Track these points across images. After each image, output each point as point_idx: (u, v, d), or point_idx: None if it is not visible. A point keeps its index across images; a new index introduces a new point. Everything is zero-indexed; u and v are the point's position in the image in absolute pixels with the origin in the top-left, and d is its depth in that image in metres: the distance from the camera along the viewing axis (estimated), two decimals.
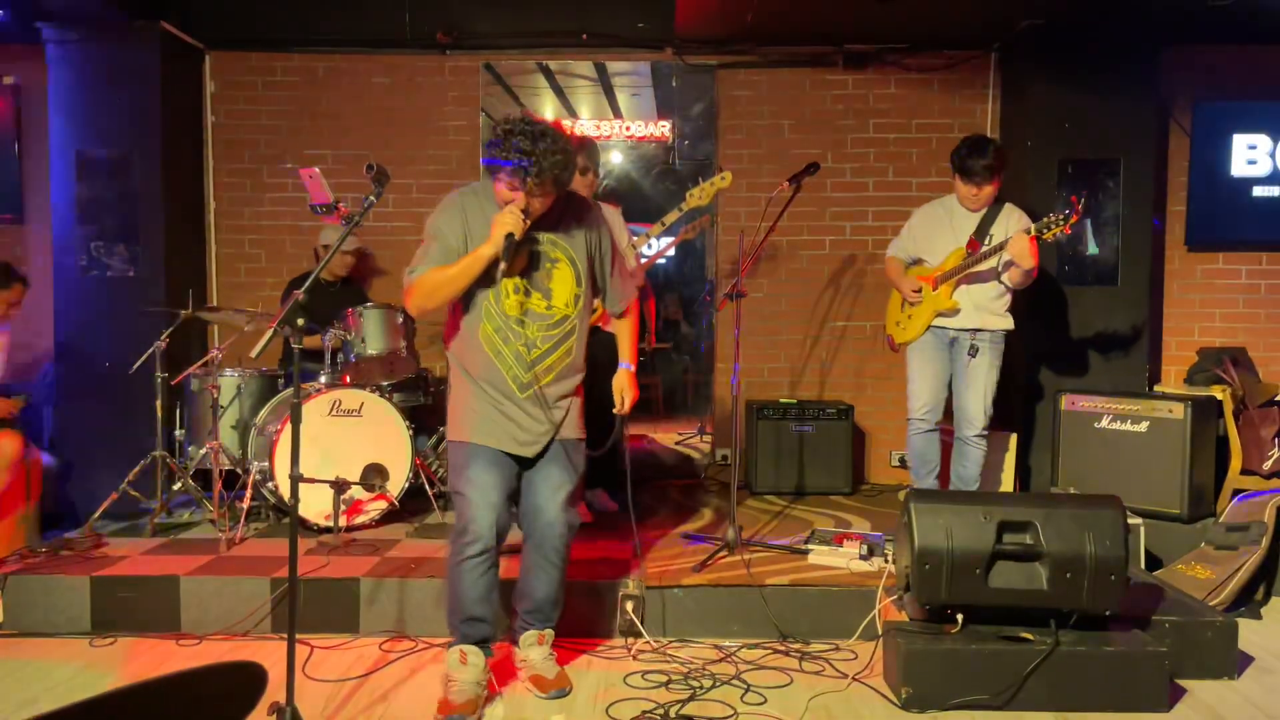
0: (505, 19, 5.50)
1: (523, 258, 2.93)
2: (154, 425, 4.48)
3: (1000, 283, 4.20)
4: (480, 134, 5.74)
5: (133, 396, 4.96)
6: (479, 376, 2.98)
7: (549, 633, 3.19)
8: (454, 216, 2.94)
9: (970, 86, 5.66)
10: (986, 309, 4.21)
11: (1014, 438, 5.02)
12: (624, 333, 3.28)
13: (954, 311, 4.20)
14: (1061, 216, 3.88)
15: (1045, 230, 3.90)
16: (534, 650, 3.15)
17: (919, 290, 4.28)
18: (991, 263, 4.13)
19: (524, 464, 3.05)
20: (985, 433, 4.28)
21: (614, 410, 3.22)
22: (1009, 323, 4.26)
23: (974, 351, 4.21)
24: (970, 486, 4.30)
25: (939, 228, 4.31)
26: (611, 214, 4.73)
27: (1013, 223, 4.19)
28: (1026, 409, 5.22)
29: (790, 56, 5.66)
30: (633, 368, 3.24)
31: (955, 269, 4.19)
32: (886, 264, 4.54)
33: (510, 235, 2.78)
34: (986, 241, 4.17)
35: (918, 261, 4.41)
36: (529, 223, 2.85)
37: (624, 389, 3.21)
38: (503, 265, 2.78)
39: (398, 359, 4.60)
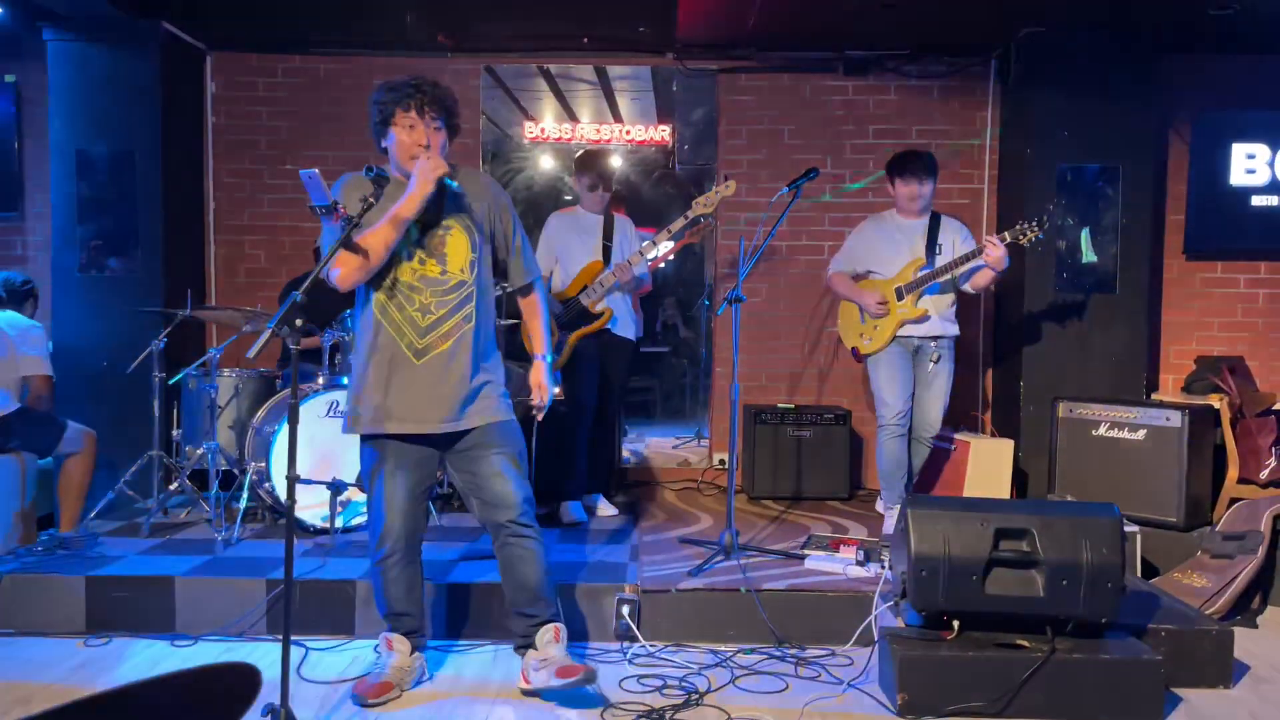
0: (507, 22, 5.50)
1: (413, 226, 2.96)
2: (151, 425, 4.48)
3: (957, 291, 4.42)
4: (480, 137, 5.74)
5: (130, 396, 4.96)
6: (374, 351, 2.96)
7: (560, 627, 3.07)
8: (348, 194, 2.95)
9: (970, 93, 5.67)
10: (946, 317, 4.41)
11: (1011, 444, 5.02)
12: (532, 318, 3.21)
13: (923, 319, 4.33)
14: (1035, 221, 4.14)
15: (1021, 235, 4.14)
16: (553, 648, 3.03)
17: (884, 302, 4.37)
18: (953, 273, 4.30)
19: (443, 447, 3.00)
20: (938, 433, 4.55)
21: (532, 411, 3.17)
22: (958, 329, 4.50)
23: (937, 359, 4.39)
24: (913, 473, 4.56)
25: (885, 242, 4.45)
26: (622, 221, 4.79)
27: (955, 230, 4.44)
28: (1024, 416, 5.22)
29: (791, 62, 5.67)
30: (546, 358, 3.17)
31: (925, 277, 4.31)
32: (833, 279, 4.61)
33: (443, 177, 2.85)
34: (937, 250, 4.35)
35: (866, 274, 4.53)
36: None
37: (538, 384, 3.14)
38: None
39: None
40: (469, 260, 2.99)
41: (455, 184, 2.91)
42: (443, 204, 2.96)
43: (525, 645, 3.09)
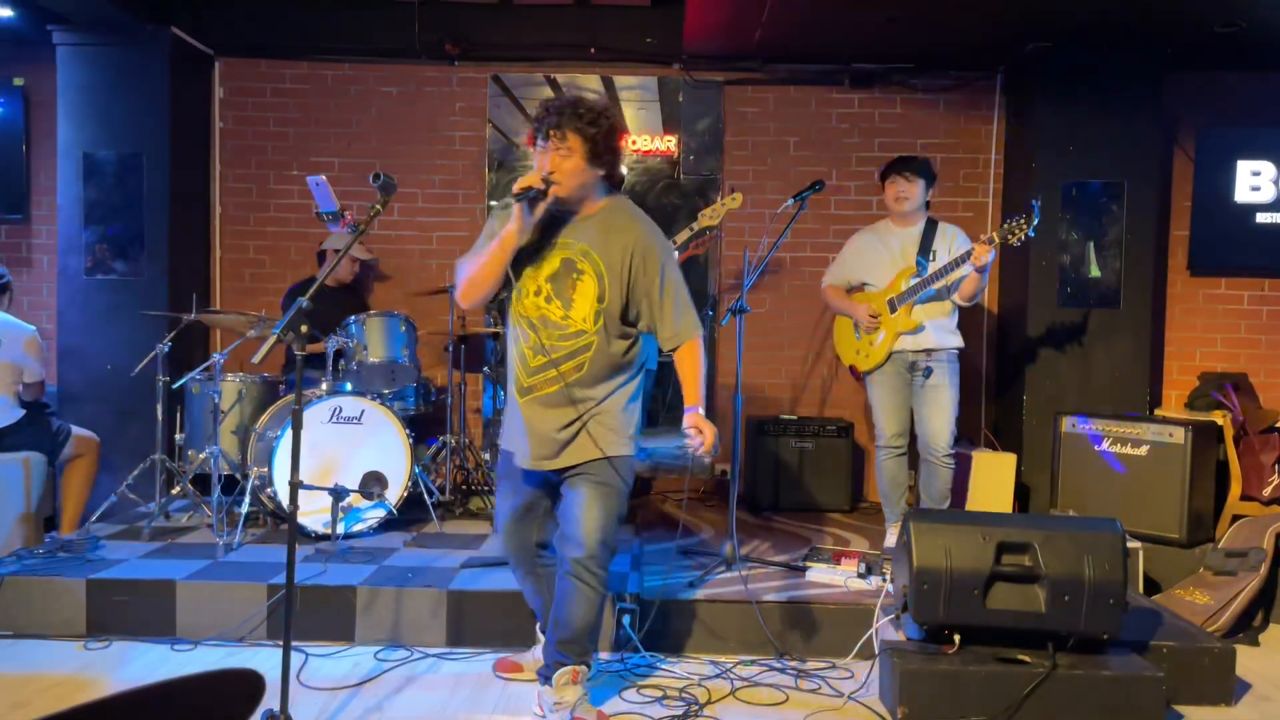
0: (514, 31, 5.53)
1: (552, 261, 2.84)
2: (154, 429, 4.48)
3: (951, 301, 4.25)
4: (487, 145, 5.76)
5: (133, 399, 4.97)
6: (506, 374, 3.03)
7: (582, 670, 2.95)
8: (502, 217, 2.87)
9: (975, 108, 5.68)
10: (943, 328, 4.24)
11: (1014, 458, 5.02)
12: (684, 369, 2.92)
13: (917, 329, 4.19)
14: (1021, 219, 3.95)
15: (1010, 235, 3.96)
16: (569, 690, 2.92)
17: (876, 315, 4.27)
18: (946, 280, 4.16)
19: (554, 476, 2.96)
20: (952, 452, 4.27)
21: (691, 452, 2.83)
22: (961, 340, 4.30)
23: (927, 373, 4.21)
24: (939, 502, 4.28)
25: (878, 252, 4.35)
26: None
27: (951, 235, 4.26)
28: (1027, 430, 5.22)
29: (797, 74, 5.69)
30: (699, 409, 2.85)
31: (915, 286, 4.18)
32: (826, 293, 4.53)
33: (528, 190, 2.70)
34: (932, 258, 4.21)
35: (860, 287, 4.43)
36: (558, 191, 2.74)
37: (698, 428, 2.80)
38: (518, 227, 2.72)
39: (399, 367, 4.61)
40: (594, 310, 2.82)
41: (532, 193, 2.73)
42: (577, 243, 2.83)
43: (545, 678, 2.99)
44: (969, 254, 4.01)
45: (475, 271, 2.82)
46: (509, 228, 2.76)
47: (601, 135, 2.76)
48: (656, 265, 2.85)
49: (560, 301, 2.84)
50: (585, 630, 2.92)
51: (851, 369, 4.47)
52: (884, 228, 4.40)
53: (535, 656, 3.23)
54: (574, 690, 2.92)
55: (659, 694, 3.17)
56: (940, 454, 4.22)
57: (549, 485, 2.99)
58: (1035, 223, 3.95)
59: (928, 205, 4.36)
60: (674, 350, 2.95)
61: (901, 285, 4.23)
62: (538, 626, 3.25)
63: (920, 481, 4.36)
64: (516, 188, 2.73)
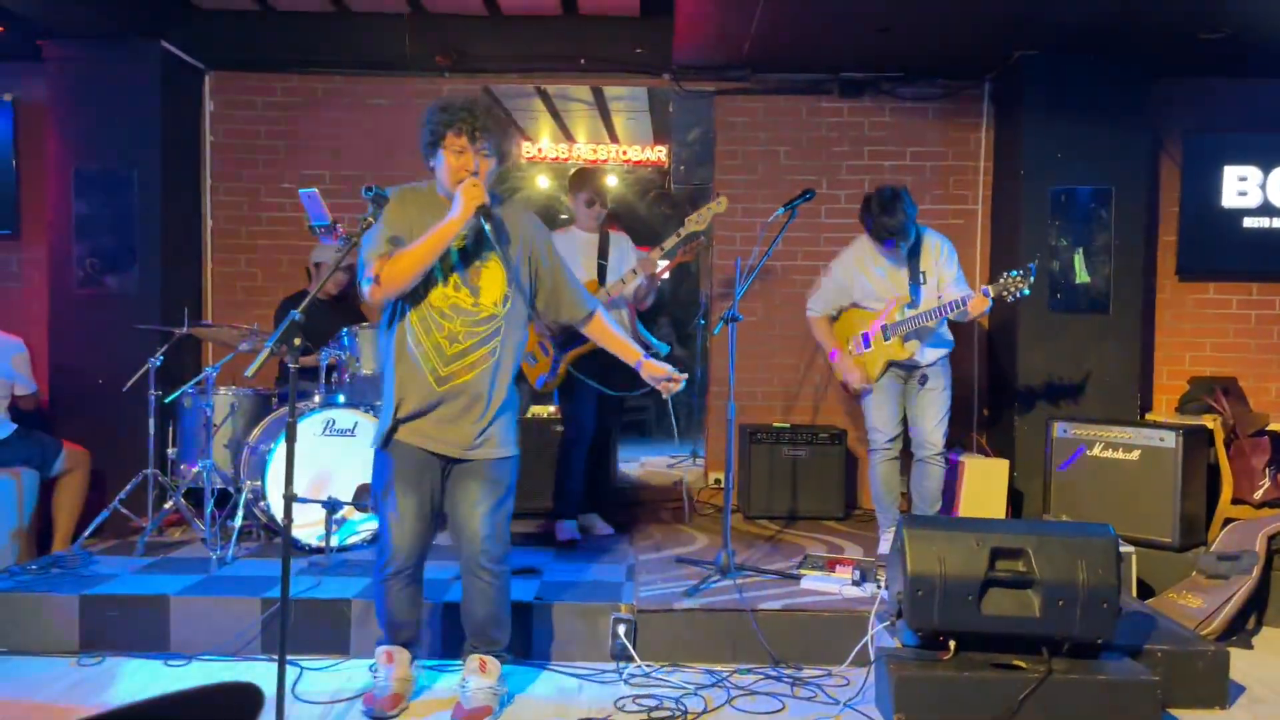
0: (504, 43, 5.54)
1: (450, 253, 2.99)
2: (146, 443, 4.47)
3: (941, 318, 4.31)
4: None
5: (125, 414, 4.95)
6: (398, 372, 2.96)
7: (489, 660, 3.09)
8: (395, 208, 2.93)
9: (964, 116, 5.71)
10: (933, 342, 4.31)
11: (1006, 464, 5.03)
12: (607, 336, 3.28)
13: (910, 357, 4.26)
14: (1018, 276, 4.00)
15: (1005, 291, 4.02)
16: (472, 677, 3.06)
17: (867, 379, 4.31)
18: (935, 320, 4.19)
19: (446, 467, 3.02)
20: (944, 451, 4.34)
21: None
22: (951, 340, 4.39)
23: (924, 380, 4.30)
24: (931, 503, 4.34)
25: (868, 273, 4.34)
26: (618, 237, 4.79)
27: (935, 250, 4.29)
28: (1019, 436, 5.24)
29: (787, 84, 5.71)
30: (647, 355, 3.23)
31: (909, 320, 4.20)
32: (813, 324, 4.52)
33: (482, 206, 2.86)
34: (920, 280, 4.26)
35: (850, 307, 4.43)
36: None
37: (654, 374, 3.20)
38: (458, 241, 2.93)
39: None
40: (503, 294, 2.98)
41: (496, 215, 2.95)
42: (484, 234, 2.93)
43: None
44: (965, 300, 4.06)
45: (414, 263, 2.85)
46: (453, 222, 2.85)
47: (510, 143, 3.04)
48: (552, 248, 3.15)
49: (469, 289, 2.97)
50: (489, 623, 3.10)
51: (844, 383, 4.53)
52: (867, 249, 4.35)
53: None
54: (475, 677, 3.06)
55: (654, 703, 3.16)
56: (935, 449, 4.29)
57: (440, 475, 3.03)
58: (1031, 280, 4.02)
59: None
60: (587, 321, 3.22)
61: (896, 315, 4.25)
62: (388, 644, 3.17)
63: (912, 482, 4.40)
64: (479, 200, 2.86)
